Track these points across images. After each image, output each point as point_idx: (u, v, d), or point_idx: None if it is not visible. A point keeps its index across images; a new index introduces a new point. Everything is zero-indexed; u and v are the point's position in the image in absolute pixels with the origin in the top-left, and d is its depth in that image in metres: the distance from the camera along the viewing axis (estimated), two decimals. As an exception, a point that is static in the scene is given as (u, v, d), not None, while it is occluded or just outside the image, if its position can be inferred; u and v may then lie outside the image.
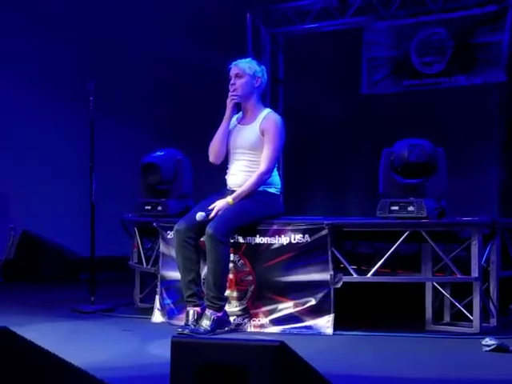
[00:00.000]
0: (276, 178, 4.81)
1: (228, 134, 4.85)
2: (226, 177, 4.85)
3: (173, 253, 4.78)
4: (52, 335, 4.33)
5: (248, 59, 4.85)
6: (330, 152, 8.28)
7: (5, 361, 1.86)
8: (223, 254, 4.44)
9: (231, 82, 4.77)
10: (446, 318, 4.71)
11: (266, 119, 4.73)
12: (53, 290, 6.88)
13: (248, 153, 4.73)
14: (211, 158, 4.85)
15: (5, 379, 1.85)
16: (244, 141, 4.75)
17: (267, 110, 4.84)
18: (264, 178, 4.66)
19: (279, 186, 4.84)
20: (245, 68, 4.75)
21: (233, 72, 4.77)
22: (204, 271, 4.64)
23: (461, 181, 6.64)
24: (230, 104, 4.76)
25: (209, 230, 4.40)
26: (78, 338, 4.47)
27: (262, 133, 4.69)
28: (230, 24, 8.33)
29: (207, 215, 4.49)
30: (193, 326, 4.44)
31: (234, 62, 4.80)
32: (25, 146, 7.97)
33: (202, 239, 4.56)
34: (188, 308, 4.57)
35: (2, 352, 1.85)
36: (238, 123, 4.85)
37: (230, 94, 4.75)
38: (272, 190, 4.76)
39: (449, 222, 4.70)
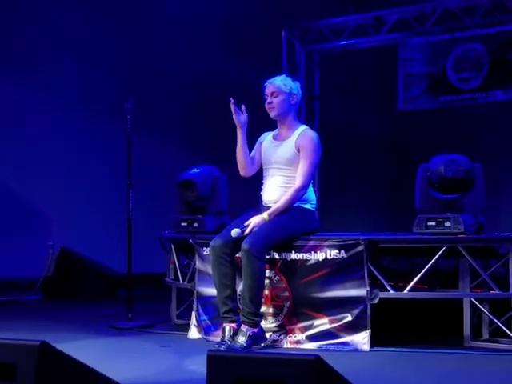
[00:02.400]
0: (311, 193, 4.81)
1: (262, 149, 4.87)
2: (262, 193, 4.86)
3: (209, 269, 4.80)
4: (90, 351, 4.37)
5: (282, 76, 4.86)
6: (366, 168, 8.27)
7: (45, 374, 1.89)
8: (259, 269, 4.44)
9: (268, 100, 4.79)
10: (485, 335, 4.65)
11: (302, 135, 4.74)
12: (91, 306, 6.94)
13: (284, 168, 4.74)
14: (241, 172, 4.90)
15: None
16: (280, 157, 4.76)
17: (303, 127, 4.85)
18: (300, 195, 4.66)
19: (315, 202, 4.84)
20: (281, 86, 4.76)
21: (268, 90, 4.78)
22: (240, 287, 4.65)
23: (499, 196, 6.58)
24: (235, 116, 4.75)
25: (244, 245, 4.42)
26: (115, 355, 4.50)
27: (298, 149, 4.70)
28: (266, 41, 8.39)
29: (242, 232, 4.50)
30: (229, 342, 4.44)
31: (269, 80, 4.81)
32: (63, 164, 8.09)
33: (238, 255, 4.58)
34: (224, 324, 4.58)
35: (43, 366, 1.88)
36: (274, 139, 4.86)
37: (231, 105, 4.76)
38: (307, 206, 4.76)
39: (486, 238, 4.65)
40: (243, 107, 4.77)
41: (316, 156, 4.73)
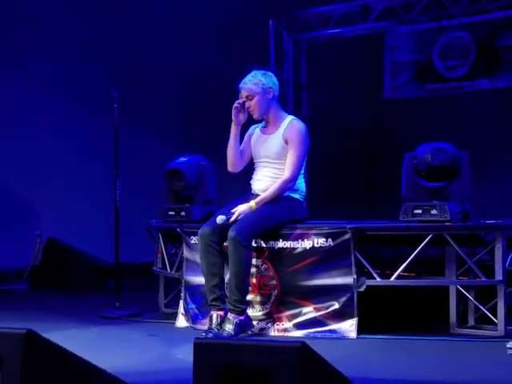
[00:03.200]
0: (301, 184, 4.82)
1: (251, 144, 4.87)
2: (251, 182, 4.87)
3: (197, 258, 4.81)
4: (78, 340, 4.37)
5: (252, 73, 4.74)
6: (352, 156, 8.29)
7: (31, 363, 1.89)
8: (245, 257, 4.45)
9: (246, 105, 4.73)
10: (471, 322, 4.68)
11: (289, 127, 4.74)
12: (78, 296, 6.94)
13: (273, 162, 4.74)
14: (229, 168, 4.88)
15: (32, 381, 1.89)
16: (268, 150, 4.76)
17: (290, 118, 4.83)
18: (288, 186, 4.67)
19: (304, 192, 4.84)
20: (252, 88, 4.68)
21: (243, 95, 4.73)
22: (227, 275, 4.66)
23: (485, 185, 6.60)
24: (234, 114, 4.74)
25: (231, 233, 4.43)
26: (104, 343, 4.51)
27: (286, 141, 4.70)
28: (253, 31, 8.38)
29: (228, 219, 4.51)
30: (216, 330, 4.46)
31: (241, 84, 4.73)
32: (50, 154, 8.06)
33: (225, 244, 4.59)
34: (212, 312, 4.59)
35: (29, 355, 1.88)
36: (262, 133, 4.85)
37: (234, 105, 4.72)
38: (296, 196, 4.77)
39: (472, 225, 4.68)
40: (246, 105, 4.73)
41: (304, 147, 4.72)
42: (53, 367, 1.94)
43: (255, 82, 4.69)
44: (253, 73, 4.74)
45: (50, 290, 7.26)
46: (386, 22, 8.07)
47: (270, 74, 4.81)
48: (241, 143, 4.90)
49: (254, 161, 4.87)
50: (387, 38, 8.11)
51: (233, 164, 4.86)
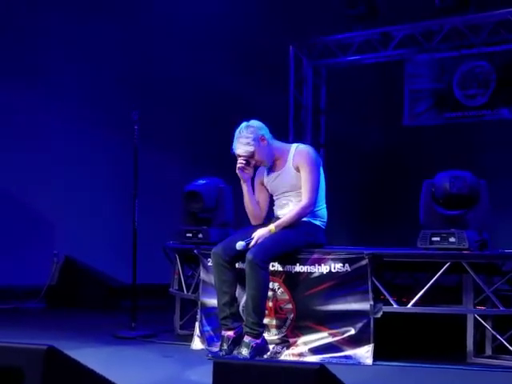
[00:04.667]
0: (323, 211, 4.81)
1: (266, 186, 4.85)
2: (274, 208, 4.86)
3: (213, 280, 4.82)
4: (94, 360, 4.34)
5: (236, 135, 4.64)
6: (370, 182, 8.28)
7: (52, 378, 1.90)
8: (263, 279, 4.45)
9: (251, 162, 4.69)
10: (488, 351, 4.64)
11: (296, 155, 4.70)
12: (94, 315, 6.95)
13: (292, 193, 4.73)
14: (253, 222, 4.84)
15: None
16: (284, 186, 4.75)
17: (294, 146, 4.80)
18: (306, 212, 4.67)
19: (325, 220, 4.83)
20: (247, 149, 4.62)
21: (242, 158, 4.66)
22: (244, 298, 4.66)
23: (503, 214, 6.58)
24: (240, 173, 4.71)
25: (249, 255, 4.44)
26: (119, 363, 4.51)
27: (297, 169, 4.69)
28: (273, 56, 8.44)
29: (247, 244, 4.52)
30: (224, 353, 4.46)
31: (235, 151, 4.65)
32: (67, 174, 8.11)
33: (242, 266, 4.59)
34: (222, 332, 4.59)
35: (50, 370, 1.90)
36: (272, 171, 4.81)
37: (238, 166, 4.67)
38: (317, 222, 4.77)
39: (490, 254, 4.66)
40: (252, 162, 4.70)
41: (316, 169, 4.70)
42: (73, 383, 1.96)
43: (246, 143, 4.62)
44: (237, 134, 4.65)
45: (65, 309, 7.29)
46: (406, 49, 8.10)
47: (251, 122, 4.69)
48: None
49: (274, 197, 4.86)
50: (407, 66, 8.13)
51: (254, 217, 4.85)
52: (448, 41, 7.85)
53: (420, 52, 8.03)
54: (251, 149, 4.62)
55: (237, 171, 4.72)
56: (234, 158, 4.70)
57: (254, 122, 4.71)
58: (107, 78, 8.26)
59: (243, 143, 4.62)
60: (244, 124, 4.69)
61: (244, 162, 4.67)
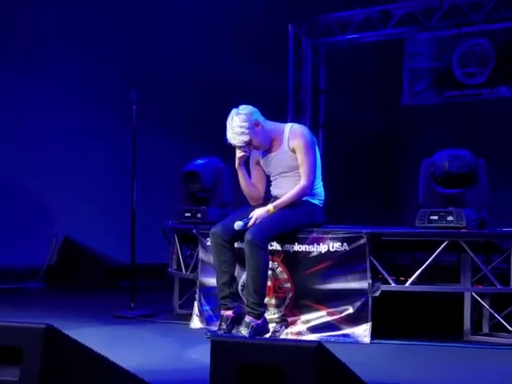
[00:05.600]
0: (321, 189, 4.80)
1: (262, 167, 4.81)
2: (271, 188, 4.85)
3: (211, 259, 4.82)
4: (93, 339, 4.35)
5: (229, 126, 4.54)
6: (369, 161, 8.28)
7: (51, 357, 1.91)
8: (262, 260, 4.46)
9: (246, 152, 4.65)
10: (485, 329, 4.67)
11: (291, 136, 4.65)
12: (93, 295, 6.97)
13: (289, 173, 4.71)
14: (252, 203, 4.80)
15: (51, 375, 1.91)
16: (281, 167, 4.72)
17: (288, 126, 4.75)
18: (306, 192, 4.65)
19: (322, 198, 4.82)
20: (243, 139, 4.53)
21: (241, 148, 4.59)
22: (243, 277, 4.68)
23: (502, 192, 6.58)
24: (239, 157, 4.64)
25: (248, 236, 4.43)
26: (118, 343, 4.53)
27: (293, 150, 4.65)
28: (272, 35, 8.39)
29: (245, 224, 4.51)
30: (223, 332, 4.47)
31: (231, 142, 4.57)
32: (66, 155, 8.10)
33: (241, 245, 4.60)
34: (221, 312, 4.61)
35: (48, 349, 1.91)
36: (268, 152, 4.75)
37: (242, 154, 4.61)
38: (315, 201, 4.76)
39: (488, 233, 4.67)
40: (251, 149, 4.65)
41: (312, 150, 4.66)
42: (72, 362, 1.97)
43: (241, 132, 4.53)
44: (229, 124, 4.55)
45: (64, 289, 7.31)
46: (406, 28, 8.06)
47: (241, 109, 4.58)
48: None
49: (271, 177, 4.84)
50: (407, 45, 8.09)
51: (252, 198, 4.81)
52: (448, 18, 7.81)
53: (420, 30, 7.99)
54: (247, 138, 4.54)
55: (236, 163, 4.67)
56: (230, 145, 4.63)
57: (245, 108, 4.59)
58: (106, 60, 8.22)
59: (238, 133, 4.53)
60: (234, 112, 4.57)
61: (243, 152, 4.62)
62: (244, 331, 4.41)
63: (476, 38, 7.70)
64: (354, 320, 4.52)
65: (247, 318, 4.46)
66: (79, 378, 1.99)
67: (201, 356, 3.93)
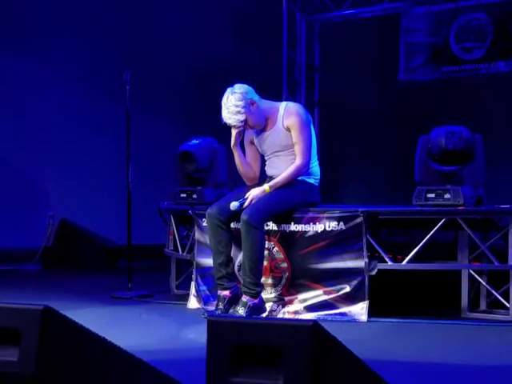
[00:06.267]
0: (316, 168, 4.77)
1: (256, 146, 4.78)
2: (266, 168, 4.83)
3: (208, 240, 4.81)
4: (91, 320, 4.34)
5: (224, 106, 4.49)
6: (365, 139, 8.24)
7: (49, 338, 1.91)
8: (258, 240, 4.44)
9: (245, 133, 4.66)
10: (482, 306, 4.67)
11: (286, 115, 4.61)
12: (90, 276, 6.98)
13: (283, 152, 4.67)
14: (248, 183, 4.78)
15: (49, 356, 1.90)
16: (275, 145, 4.68)
17: (283, 105, 4.70)
18: (301, 172, 4.62)
19: (318, 177, 4.80)
20: (238, 118, 4.48)
21: (235, 126, 4.56)
22: (239, 257, 4.67)
23: (500, 168, 6.56)
24: (234, 136, 4.62)
25: (244, 216, 4.42)
26: (116, 323, 4.54)
27: (288, 129, 4.61)
28: (265, 11, 8.32)
29: (241, 204, 4.49)
30: (220, 312, 4.48)
31: (226, 122, 4.52)
32: (62, 135, 8.07)
33: (238, 226, 4.59)
34: (218, 292, 4.61)
35: (47, 330, 1.90)
36: (262, 131, 4.71)
37: (237, 131, 4.59)
38: (311, 181, 4.73)
39: (486, 210, 4.66)
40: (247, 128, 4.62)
41: (307, 129, 4.62)
42: (70, 342, 1.96)
43: (236, 111, 4.48)
44: (224, 104, 4.50)
45: (61, 271, 7.31)
46: (402, 2, 7.96)
47: (236, 88, 4.53)
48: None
49: (265, 157, 4.81)
50: (403, 20, 8.01)
51: (248, 178, 4.78)
52: (445, -8, 7.73)
53: (416, 5, 7.91)
54: (242, 117, 4.50)
55: (232, 142, 4.64)
56: (225, 125, 4.61)
57: (240, 87, 4.54)
58: (100, 39, 8.15)
59: (233, 112, 4.48)
60: (229, 91, 4.52)
61: (239, 133, 4.59)
62: (241, 311, 4.41)
63: (473, 12, 7.63)
64: (350, 299, 4.52)
65: (244, 298, 4.46)
66: (77, 358, 1.99)
67: (198, 336, 3.94)
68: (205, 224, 4.97)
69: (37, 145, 7.93)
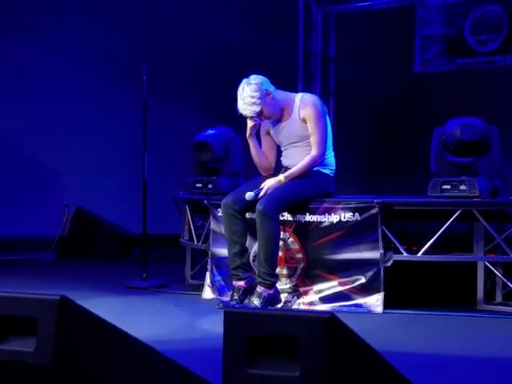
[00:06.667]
0: (331, 159, 4.77)
1: (272, 137, 4.78)
2: (282, 158, 4.83)
3: (223, 230, 4.82)
4: (106, 310, 4.38)
5: (240, 96, 4.50)
6: (380, 131, 8.21)
7: (65, 328, 1.92)
8: (273, 230, 4.45)
9: (262, 122, 4.65)
10: (498, 298, 4.66)
11: (302, 106, 4.61)
12: (105, 266, 7.01)
13: (300, 143, 4.68)
14: (263, 173, 4.78)
15: (65, 346, 1.92)
16: (291, 136, 4.68)
17: (299, 96, 4.71)
18: (317, 162, 4.62)
19: (333, 168, 4.79)
20: (254, 109, 4.49)
21: (251, 117, 4.56)
22: (254, 248, 4.68)
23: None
24: (250, 127, 4.61)
25: (259, 206, 4.43)
26: (131, 313, 4.56)
27: (304, 120, 4.62)
28: (281, 2, 8.30)
29: (256, 194, 4.50)
30: (235, 302, 4.49)
31: (242, 113, 4.54)
32: (78, 124, 8.11)
33: (253, 216, 4.59)
34: (233, 282, 4.62)
35: (63, 320, 1.92)
36: (279, 122, 4.71)
37: (253, 124, 4.59)
38: (326, 171, 4.73)
39: (501, 202, 4.64)
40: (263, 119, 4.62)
41: (323, 120, 4.62)
42: (85, 332, 1.97)
43: (252, 102, 4.49)
44: (240, 95, 4.50)
45: (77, 260, 7.35)
46: (417, -6, 7.94)
47: (251, 79, 4.54)
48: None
49: (282, 147, 4.81)
50: (418, 11, 7.98)
51: (263, 169, 4.79)
52: (460, -16, 7.68)
53: (431, -4, 7.87)
54: (258, 108, 4.50)
55: (247, 133, 4.65)
56: (241, 116, 4.61)
57: (255, 78, 4.55)
58: (116, 28, 8.17)
59: (249, 103, 4.49)
60: (245, 82, 4.53)
61: (255, 123, 4.59)
62: (256, 301, 4.42)
63: (488, 4, 7.58)
64: (366, 290, 4.52)
65: (259, 289, 4.47)
66: (93, 348, 2.00)
67: (213, 326, 3.96)
68: (220, 214, 4.97)
69: (52, 134, 7.98)
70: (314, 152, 4.59)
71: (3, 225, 7.52)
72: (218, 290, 5.02)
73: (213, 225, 5.16)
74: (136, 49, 7.86)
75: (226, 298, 4.82)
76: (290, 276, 4.72)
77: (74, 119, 8.08)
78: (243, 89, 4.51)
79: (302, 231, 4.70)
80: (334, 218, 4.63)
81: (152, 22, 8.28)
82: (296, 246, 4.72)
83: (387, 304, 4.48)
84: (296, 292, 4.69)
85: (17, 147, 7.84)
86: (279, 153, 4.86)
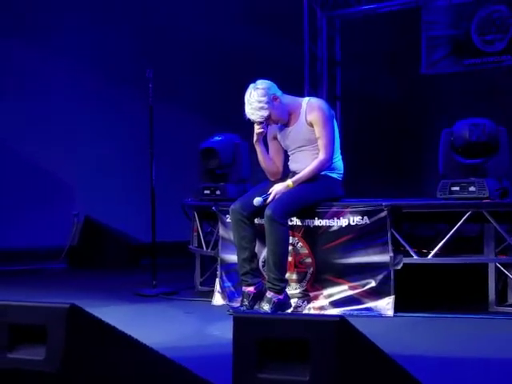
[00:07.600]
0: (339, 163, 4.75)
1: (279, 142, 4.77)
2: (289, 163, 4.82)
3: (232, 236, 4.81)
4: (116, 317, 4.37)
5: (247, 102, 4.49)
6: (389, 133, 8.20)
7: (75, 336, 1.92)
8: (282, 235, 4.44)
9: (271, 126, 4.65)
10: (510, 300, 4.63)
11: (309, 110, 4.60)
12: (115, 274, 7.01)
13: (307, 147, 4.66)
14: (271, 178, 4.77)
15: (75, 354, 1.91)
16: (298, 140, 4.67)
17: (306, 100, 4.71)
18: (325, 166, 4.61)
19: (341, 172, 4.78)
20: (262, 114, 4.48)
21: (258, 122, 4.54)
22: (263, 253, 4.66)
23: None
24: (257, 133, 4.60)
25: (267, 211, 4.41)
26: (141, 320, 4.56)
27: (311, 124, 4.61)
28: (286, 8, 8.31)
29: (264, 200, 4.49)
30: (245, 308, 4.47)
31: (249, 118, 4.52)
32: (85, 134, 8.11)
33: (261, 221, 4.58)
34: (243, 288, 4.60)
35: (73, 328, 1.91)
36: (285, 127, 4.70)
37: (260, 131, 4.57)
38: (334, 175, 4.71)
39: (511, 202, 4.61)
40: (270, 123, 4.62)
41: (330, 124, 4.61)
42: (96, 341, 1.97)
43: (260, 107, 4.48)
44: (247, 100, 4.50)
45: (87, 269, 7.35)
46: (422, -4, 7.93)
47: (258, 84, 4.53)
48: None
49: (289, 152, 4.79)
50: (423, 13, 7.96)
51: (271, 174, 4.77)
52: (465, -15, 7.67)
53: (436, -2, 7.86)
54: (266, 113, 4.50)
55: (254, 138, 4.64)
56: (248, 121, 4.61)
57: (262, 83, 4.55)
58: (116, 29, 8.16)
59: (256, 108, 4.49)
60: (252, 87, 4.53)
61: (262, 129, 4.58)
62: (266, 307, 4.41)
63: (494, 4, 7.56)
64: (376, 293, 4.50)
65: (269, 294, 4.45)
66: (103, 356, 2.00)
67: (223, 332, 3.94)
68: (228, 220, 4.96)
69: (61, 144, 7.98)
70: (321, 156, 4.58)
71: (13, 235, 7.53)
72: (228, 296, 5.01)
73: (221, 231, 5.15)
74: (136, 49, 7.86)
75: (236, 304, 4.80)
76: (299, 281, 4.71)
77: (81, 128, 8.08)
78: (250, 94, 4.51)
79: (311, 236, 4.68)
80: (342, 222, 4.61)
81: (152, 22, 8.28)
82: (305, 251, 4.70)
83: (398, 307, 4.45)
84: (306, 297, 4.68)
85: (25, 158, 7.83)
86: (286, 157, 4.85)
